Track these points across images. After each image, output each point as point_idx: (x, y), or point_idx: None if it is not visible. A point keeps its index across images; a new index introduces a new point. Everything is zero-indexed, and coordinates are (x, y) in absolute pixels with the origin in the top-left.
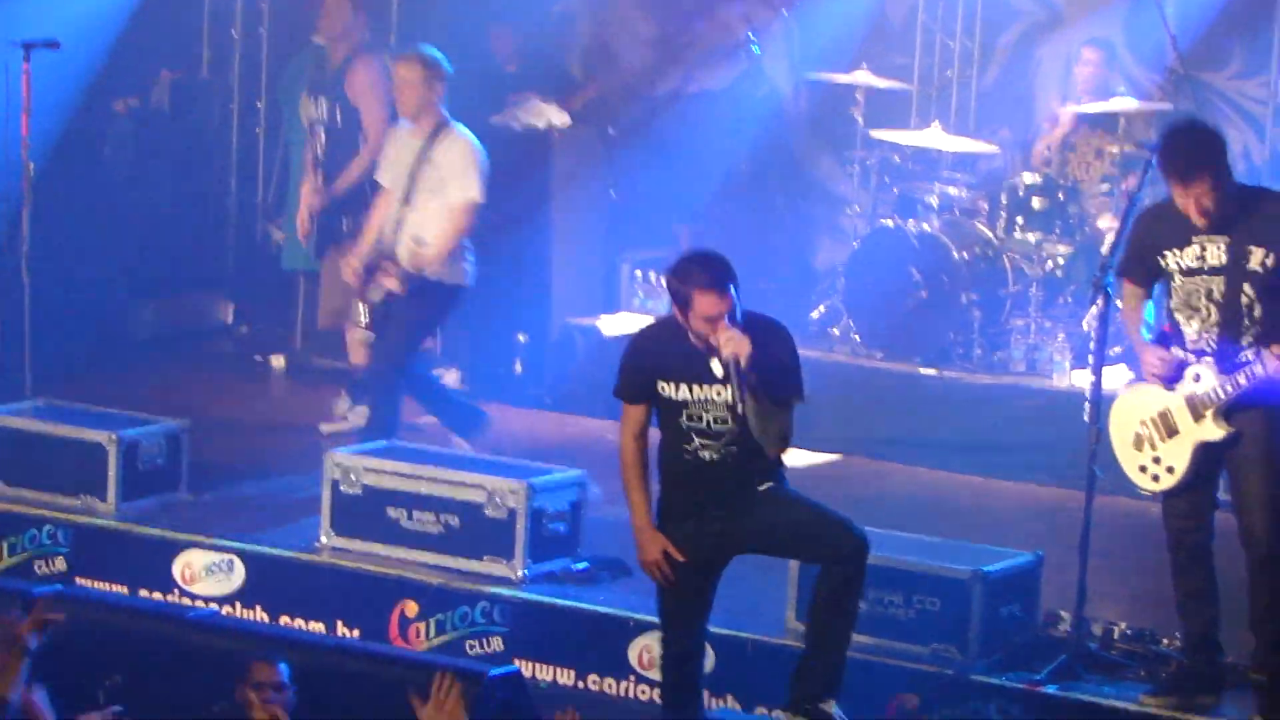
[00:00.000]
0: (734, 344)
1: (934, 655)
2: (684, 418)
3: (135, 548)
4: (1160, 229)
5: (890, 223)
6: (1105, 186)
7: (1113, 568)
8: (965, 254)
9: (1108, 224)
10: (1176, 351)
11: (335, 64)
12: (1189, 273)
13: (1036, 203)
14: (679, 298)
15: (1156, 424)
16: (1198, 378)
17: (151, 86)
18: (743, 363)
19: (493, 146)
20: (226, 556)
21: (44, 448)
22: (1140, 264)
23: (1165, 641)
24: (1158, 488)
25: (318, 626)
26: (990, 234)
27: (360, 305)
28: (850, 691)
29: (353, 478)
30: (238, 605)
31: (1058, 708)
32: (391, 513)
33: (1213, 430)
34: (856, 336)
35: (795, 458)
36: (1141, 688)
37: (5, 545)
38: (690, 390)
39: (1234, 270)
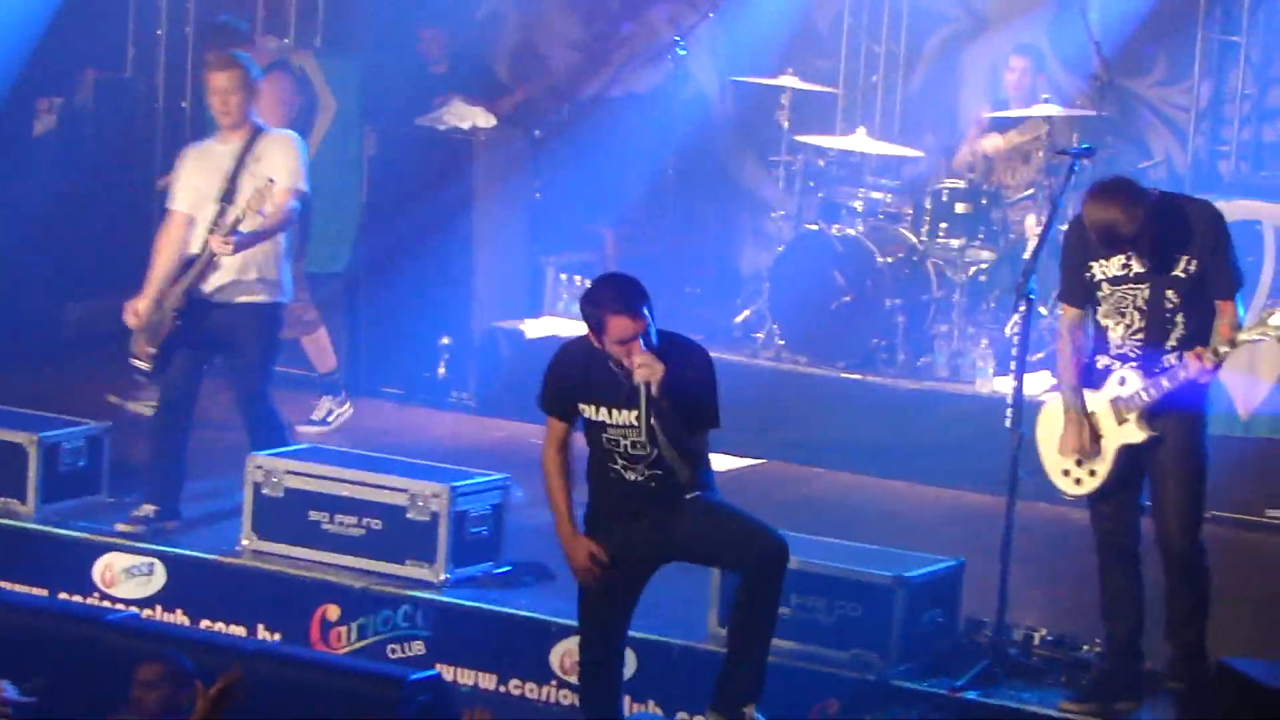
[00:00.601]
0: (646, 369)
1: (855, 661)
2: (604, 440)
3: (55, 550)
4: (1085, 242)
5: (815, 227)
6: (1029, 192)
7: (1034, 573)
8: (889, 259)
9: (1031, 230)
10: (1101, 359)
11: None
12: (1115, 281)
13: (960, 208)
14: (591, 321)
15: (1078, 440)
16: (1122, 381)
17: (76, 86)
18: (654, 390)
19: (416, 149)
20: (147, 560)
21: None
22: (1076, 280)
23: (1086, 647)
24: (1080, 491)
25: (239, 630)
26: (914, 239)
27: (144, 348)
28: (772, 697)
29: (275, 480)
30: (158, 608)
31: (978, 714)
32: (314, 515)
33: (1135, 433)
34: (780, 341)
35: (718, 463)
36: (1062, 693)
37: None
38: (609, 413)
39: (1158, 277)
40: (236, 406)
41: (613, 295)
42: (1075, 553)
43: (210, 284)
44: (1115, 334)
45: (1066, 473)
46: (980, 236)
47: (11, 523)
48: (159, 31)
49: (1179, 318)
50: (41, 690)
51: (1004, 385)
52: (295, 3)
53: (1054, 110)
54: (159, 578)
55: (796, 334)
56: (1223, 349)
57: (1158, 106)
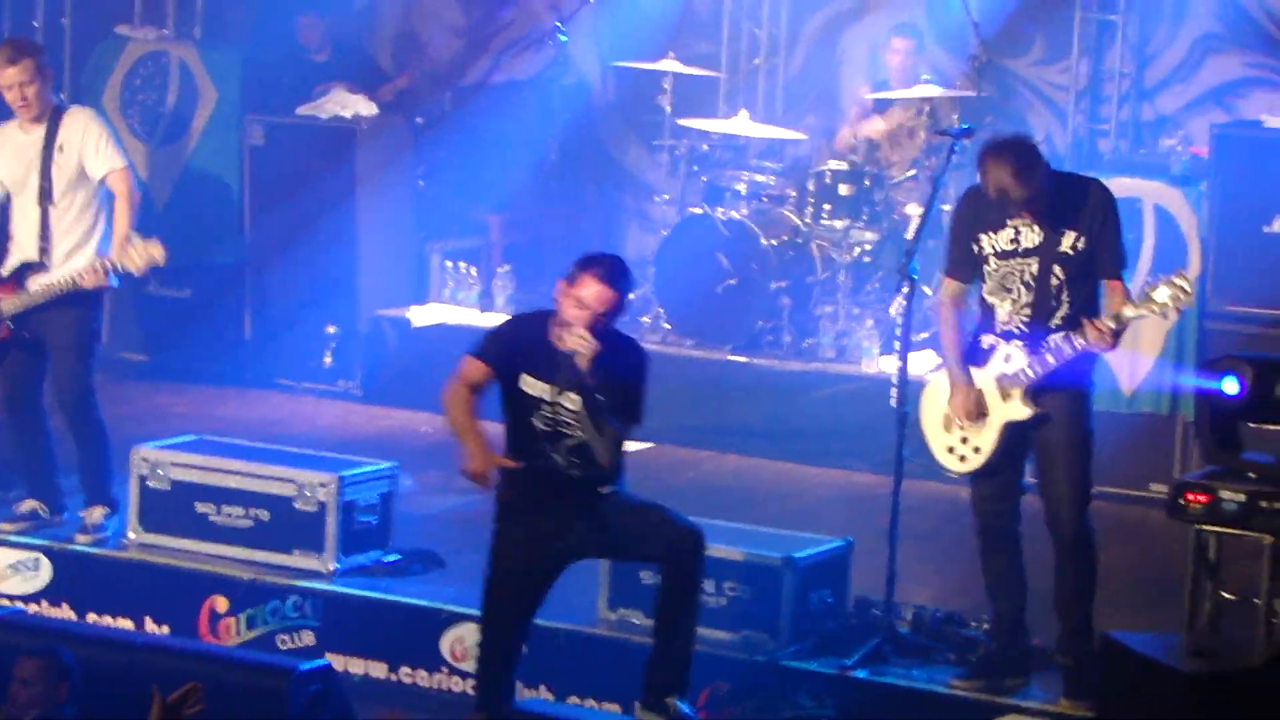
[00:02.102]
0: (581, 342)
1: (745, 642)
2: (538, 418)
3: None
4: (975, 213)
5: (699, 211)
6: (911, 173)
7: (922, 552)
8: (774, 241)
9: (914, 210)
10: (986, 338)
11: None
12: (1003, 255)
13: (843, 189)
14: (569, 276)
15: (965, 413)
16: (1008, 358)
17: None
18: (581, 363)
19: (298, 138)
20: (32, 554)
21: None
22: (963, 254)
23: (974, 625)
24: (964, 468)
25: (127, 623)
26: (798, 221)
27: None
28: None
29: (160, 473)
30: (44, 603)
31: (868, 692)
32: (200, 507)
33: (1020, 410)
34: (667, 325)
35: None
36: (951, 671)
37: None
38: (548, 390)
39: (1046, 252)
40: (58, 398)
41: (605, 263)
42: (963, 531)
43: (39, 282)
44: (1001, 311)
45: (951, 450)
46: (864, 218)
47: None
48: (35, 22)
49: (1065, 295)
50: None
51: (889, 365)
52: None
53: (934, 91)
54: (45, 573)
55: (682, 318)
56: (1114, 323)
57: (1037, 86)
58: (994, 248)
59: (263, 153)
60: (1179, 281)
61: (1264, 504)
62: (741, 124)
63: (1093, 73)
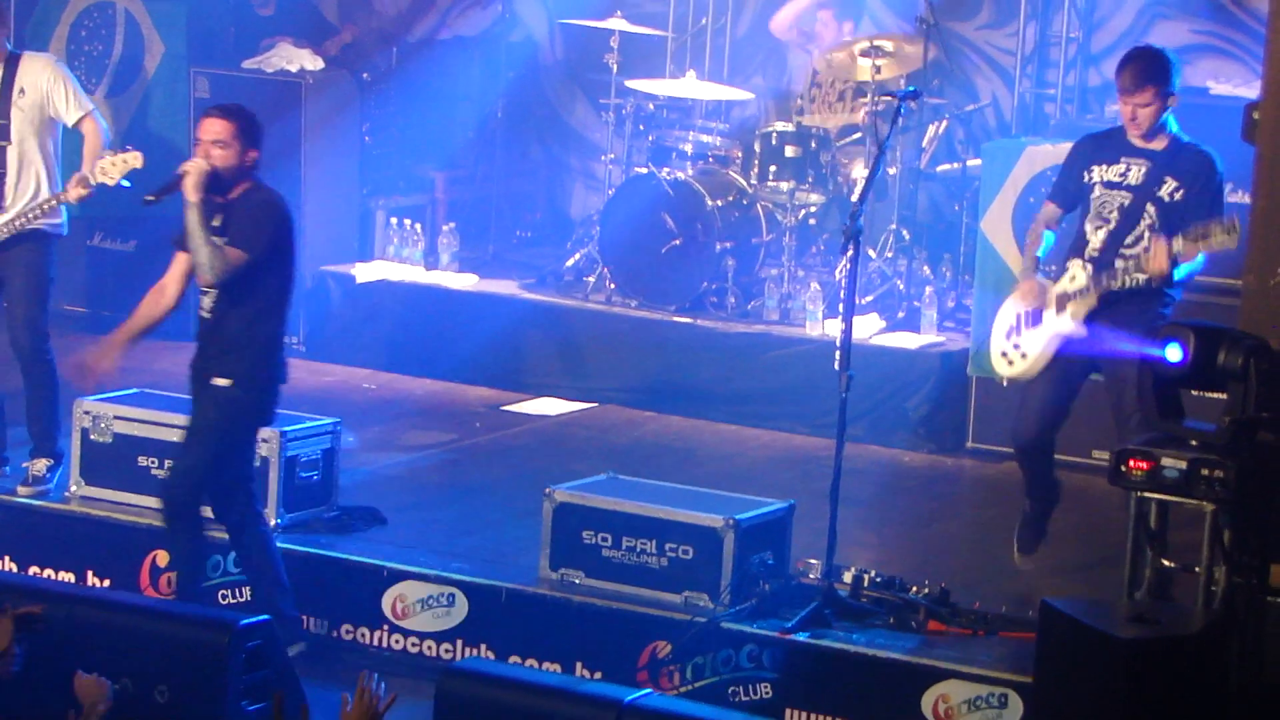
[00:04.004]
0: (187, 164)
1: (686, 604)
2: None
3: None
4: (1095, 148)
5: (645, 170)
6: (856, 136)
7: (863, 516)
8: (719, 202)
9: (859, 173)
10: (1074, 262)
11: None
12: (1109, 185)
13: (789, 151)
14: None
15: (1027, 315)
16: (1073, 278)
17: None
18: (187, 187)
19: (244, 92)
20: None
21: None
22: (1070, 182)
23: (914, 589)
24: (1011, 372)
25: (68, 576)
26: (744, 182)
27: None
28: (603, 640)
29: (103, 426)
30: None
31: (808, 654)
32: (143, 461)
33: (1067, 323)
34: (611, 285)
35: (550, 406)
36: (889, 635)
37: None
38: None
39: (1146, 191)
40: (13, 344)
41: (224, 102)
42: (904, 494)
43: None
44: (1094, 239)
45: (1004, 354)
46: (809, 180)
47: None
48: None
49: (1148, 232)
50: None
51: (833, 329)
52: None
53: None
54: None
55: (627, 278)
56: (1178, 245)
57: (983, 49)
58: (1103, 178)
59: (208, 105)
60: (1231, 225)
61: (1205, 472)
62: (688, 84)
63: (1040, 37)
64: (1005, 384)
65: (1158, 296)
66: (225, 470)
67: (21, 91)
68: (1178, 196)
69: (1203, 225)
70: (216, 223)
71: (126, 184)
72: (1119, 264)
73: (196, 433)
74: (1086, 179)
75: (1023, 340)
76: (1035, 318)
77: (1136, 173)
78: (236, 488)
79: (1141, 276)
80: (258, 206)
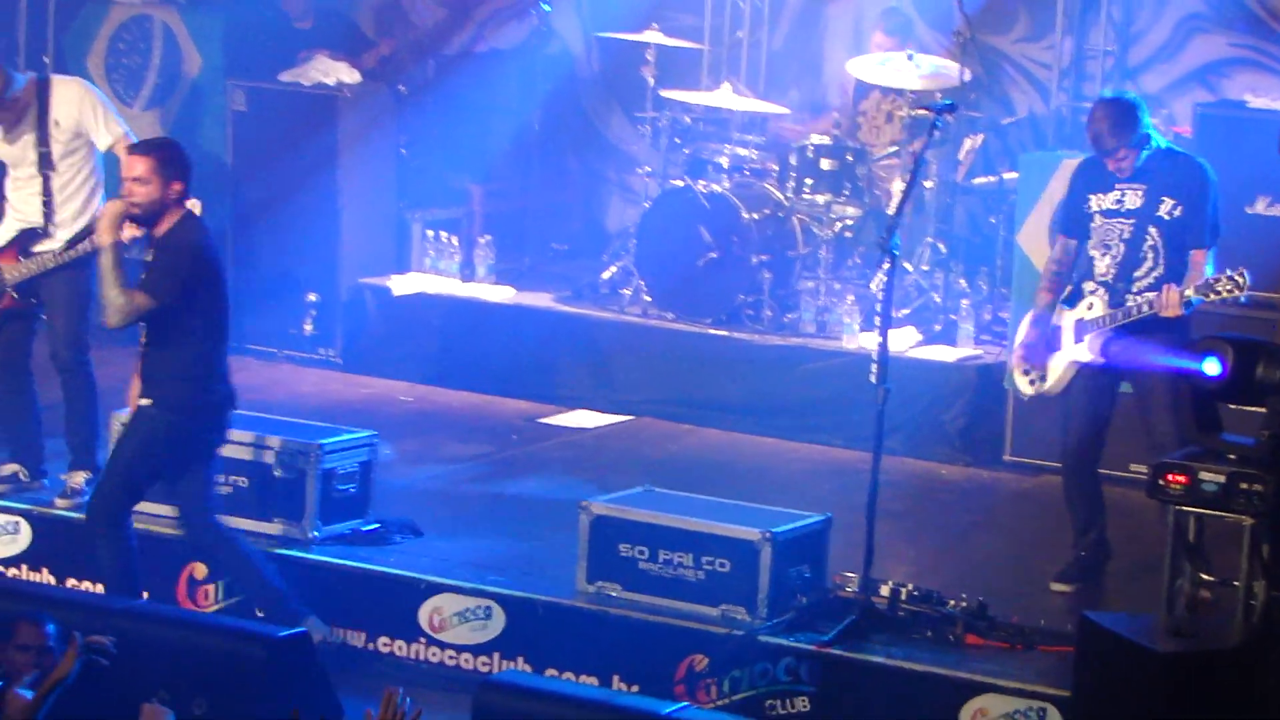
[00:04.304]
0: (107, 206)
1: (723, 617)
2: None
3: None
4: (1090, 177)
5: (681, 183)
6: (893, 149)
7: (900, 529)
8: (755, 215)
9: (896, 186)
10: (1086, 284)
11: None
12: (1108, 214)
13: (825, 164)
14: None
15: (1046, 339)
16: (1090, 306)
17: None
18: (100, 229)
19: (281, 104)
20: (13, 519)
21: None
22: (1076, 213)
23: (951, 602)
24: (1031, 391)
25: (100, 589)
26: (780, 195)
27: None
28: (639, 653)
29: None
30: (24, 567)
31: (845, 668)
32: None
33: (1084, 353)
34: (648, 297)
35: (586, 419)
36: (927, 648)
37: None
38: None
39: (1145, 215)
40: (54, 359)
41: (145, 140)
42: (941, 507)
43: (39, 248)
44: (1101, 265)
45: (1026, 373)
46: (845, 193)
47: None
48: None
49: (1156, 256)
50: None
51: (869, 341)
52: None
53: (914, 83)
54: (24, 537)
55: (663, 290)
56: (1189, 293)
57: (1020, 63)
58: (1100, 207)
59: (246, 118)
60: (1237, 277)
61: (1243, 485)
62: (724, 97)
63: (1076, 50)
64: (1027, 399)
65: (1178, 325)
66: (146, 488)
67: (56, 121)
68: (1176, 213)
69: (1213, 280)
70: (149, 257)
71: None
72: (1131, 301)
73: (116, 449)
74: (1087, 208)
75: (1050, 364)
76: (1054, 343)
77: (1133, 197)
78: (193, 512)
79: (1155, 307)
80: (175, 251)
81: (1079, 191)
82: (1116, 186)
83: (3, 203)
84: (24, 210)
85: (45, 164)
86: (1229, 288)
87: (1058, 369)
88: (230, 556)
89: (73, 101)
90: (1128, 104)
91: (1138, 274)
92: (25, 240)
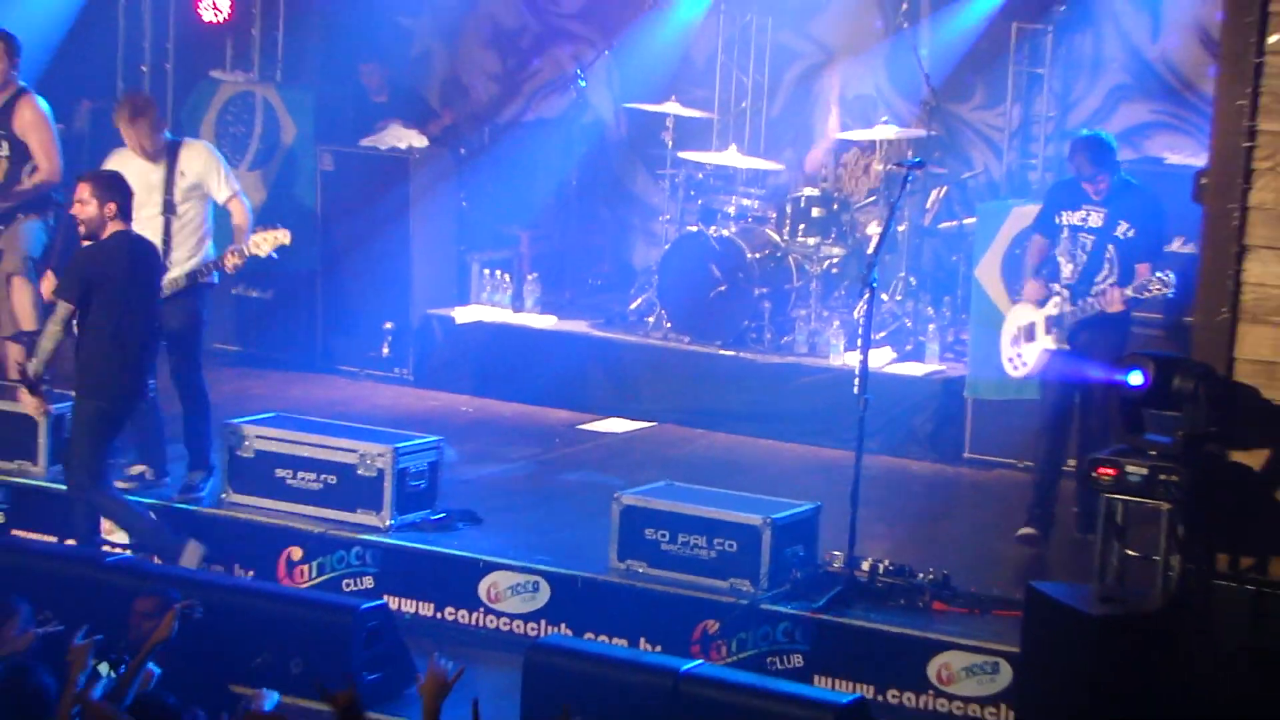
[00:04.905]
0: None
1: (731, 588)
2: None
3: (62, 503)
4: (1063, 195)
5: (695, 229)
6: (871, 199)
7: (878, 515)
8: (757, 255)
9: (873, 230)
10: (1053, 285)
11: None
12: (1074, 229)
13: (815, 212)
14: None
15: (1024, 330)
16: (1056, 305)
17: (74, 113)
18: (43, 289)
19: (361, 165)
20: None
21: None
22: (1048, 221)
23: (921, 575)
24: (1016, 374)
25: (218, 569)
26: (778, 238)
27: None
28: (662, 619)
29: (247, 444)
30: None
31: (831, 630)
32: (280, 473)
33: (1054, 343)
34: (668, 324)
35: (617, 426)
36: (900, 613)
37: None
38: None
39: (1104, 233)
40: (174, 377)
41: (89, 170)
42: (912, 497)
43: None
44: (1066, 270)
45: (1010, 360)
46: (832, 236)
47: (26, 481)
48: (143, 67)
49: (1111, 267)
50: (48, 623)
51: (853, 359)
52: (258, 42)
53: (890, 131)
54: None
55: (680, 318)
56: (1129, 292)
57: (977, 127)
58: (1069, 222)
59: (332, 177)
60: (1165, 277)
61: (1163, 477)
62: (731, 156)
63: (1024, 116)
64: (1015, 376)
65: (1121, 319)
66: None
67: (182, 174)
68: (1130, 234)
69: (1147, 280)
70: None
71: (275, 256)
72: (1085, 301)
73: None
74: (1058, 220)
75: (1023, 351)
76: (1030, 335)
77: (1096, 218)
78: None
79: (1101, 305)
80: (82, 253)
81: (1052, 206)
82: (1083, 207)
83: None
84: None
85: (168, 208)
86: (1158, 286)
87: (1033, 354)
88: (120, 511)
89: (199, 159)
90: (1104, 141)
91: (1097, 279)
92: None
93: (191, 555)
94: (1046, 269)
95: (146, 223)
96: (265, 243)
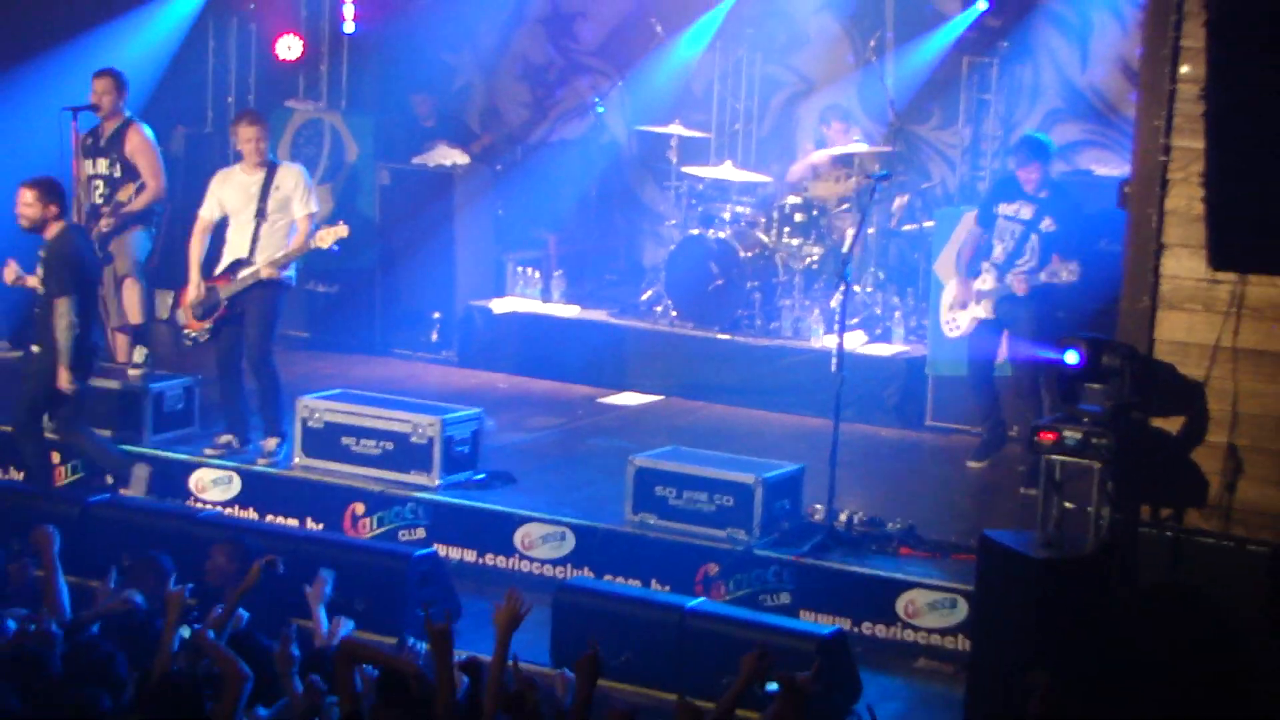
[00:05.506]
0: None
1: (729, 537)
2: None
3: (162, 468)
4: (1002, 190)
5: (696, 232)
6: (845, 206)
7: (853, 474)
8: (749, 254)
9: (848, 232)
10: (984, 264)
11: (108, 132)
12: (1008, 219)
13: (798, 217)
14: None
15: (958, 300)
16: (984, 281)
17: (170, 138)
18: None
19: (413, 179)
20: (227, 473)
21: (96, 397)
22: (986, 213)
23: (889, 524)
24: (953, 335)
25: (293, 522)
26: (766, 239)
27: (196, 325)
28: (669, 564)
29: (317, 416)
30: (236, 508)
31: (814, 572)
32: (345, 440)
33: (984, 311)
34: (674, 313)
35: (631, 399)
36: (873, 558)
37: (68, 466)
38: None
39: (1031, 224)
40: (247, 358)
41: (31, 176)
42: (882, 459)
43: (244, 274)
44: (997, 250)
45: (947, 323)
46: (812, 237)
47: (132, 448)
48: (229, 99)
49: (1032, 253)
50: (124, 569)
51: (830, 341)
52: (326, 76)
53: (863, 147)
54: (236, 486)
55: (685, 307)
56: (1041, 277)
57: (935, 145)
58: (1004, 213)
59: (389, 189)
60: (1073, 265)
61: (1094, 440)
62: (726, 170)
63: (974, 135)
64: (951, 337)
65: (1039, 297)
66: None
67: (276, 188)
68: (1052, 228)
69: (1057, 268)
70: (40, 269)
71: (335, 249)
72: (1010, 277)
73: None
74: (995, 211)
75: (957, 317)
76: (963, 304)
77: (1026, 211)
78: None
79: (1017, 286)
80: (58, 257)
81: (991, 199)
82: (1017, 201)
83: (223, 245)
84: (238, 245)
85: (260, 215)
86: (1067, 274)
87: (965, 320)
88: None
89: (291, 178)
90: (1039, 140)
91: (1018, 263)
92: (235, 268)
93: (139, 478)
94: (982, 250)
95: (241, 227)
96: (328, 236)
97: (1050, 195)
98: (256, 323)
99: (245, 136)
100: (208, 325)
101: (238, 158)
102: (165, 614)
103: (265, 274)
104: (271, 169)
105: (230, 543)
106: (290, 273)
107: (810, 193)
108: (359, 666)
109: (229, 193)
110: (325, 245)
